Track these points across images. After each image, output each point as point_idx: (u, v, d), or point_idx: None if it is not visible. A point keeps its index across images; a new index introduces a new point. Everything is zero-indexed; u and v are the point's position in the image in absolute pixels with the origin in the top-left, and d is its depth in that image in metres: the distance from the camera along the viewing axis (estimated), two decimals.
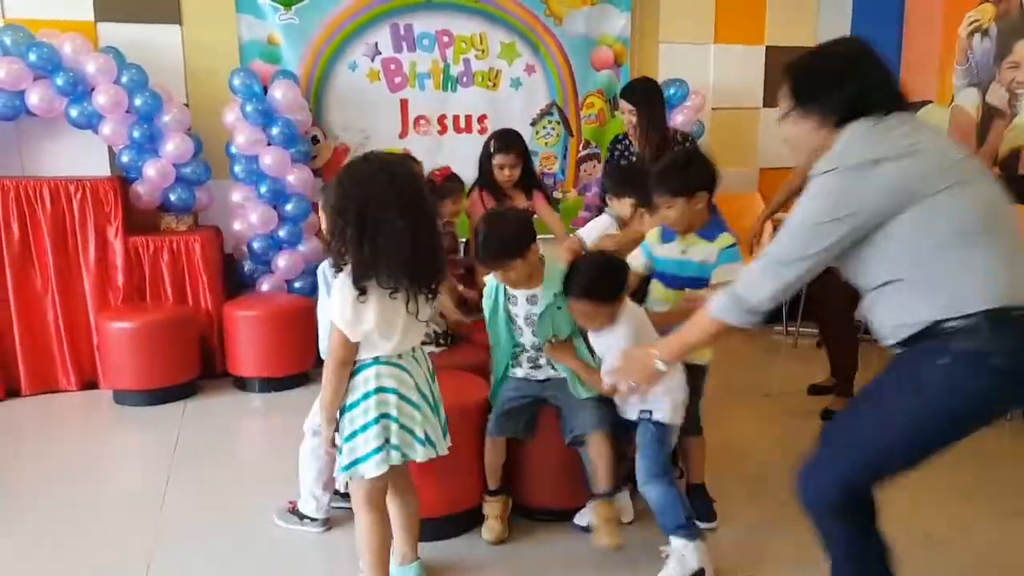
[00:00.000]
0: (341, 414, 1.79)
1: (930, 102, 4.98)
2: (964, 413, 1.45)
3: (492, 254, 2.09)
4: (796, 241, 1.51)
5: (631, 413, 2.17)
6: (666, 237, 2.33)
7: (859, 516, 1.55)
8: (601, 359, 2.19)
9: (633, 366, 1.84)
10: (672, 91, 4.35)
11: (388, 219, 1.66)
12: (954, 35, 4.81)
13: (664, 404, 2.12)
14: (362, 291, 1.68)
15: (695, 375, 2.24)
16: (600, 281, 2.11)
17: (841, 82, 1.54)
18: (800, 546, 1.93)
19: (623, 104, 3.27)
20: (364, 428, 1.76)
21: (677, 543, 2.06)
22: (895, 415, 1.47)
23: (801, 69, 1.61)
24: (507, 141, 3.21)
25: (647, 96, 3.23)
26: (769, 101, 4.97)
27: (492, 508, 2.29)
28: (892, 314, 1.50)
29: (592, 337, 2.19)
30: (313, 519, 2.32)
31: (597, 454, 2.16)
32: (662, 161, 2.45)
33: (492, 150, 3.20)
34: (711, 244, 2.24)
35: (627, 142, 3.35)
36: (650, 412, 2.14)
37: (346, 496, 2.17)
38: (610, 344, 2.13)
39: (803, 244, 1.50)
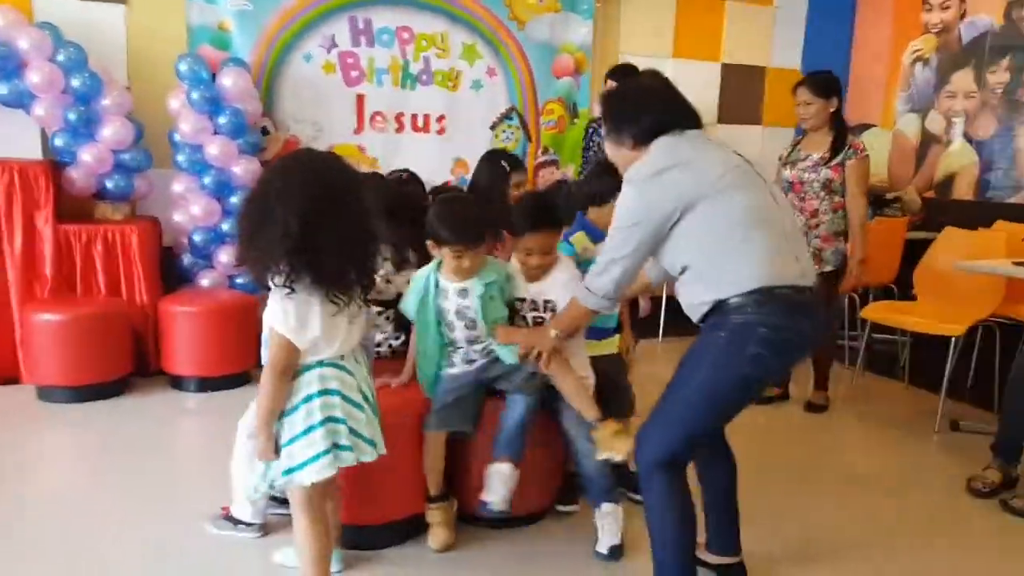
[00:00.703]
0: (279, 419, 1.69)
1: (874, 126, 5.16)
2: (744, 376, 1.71)
3: (471, 233, 2.08)
4: (613, 243, 1.80)
5: None
6: (595, 237, 2.38)
7: (678, 471, 1.80)
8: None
9: (539, 337, 2.09)
10: None
11: (310, 219, 1.56)
12: (899, 63, 4.99)
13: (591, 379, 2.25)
14: (291, 291, 1.60)
15: (611, 362, 2.38)
16: (546, 208, 2.21)
17: (642, 112, 1.83)
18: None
19: (609, 83, 3.50)
20: (306, 432, 1.68)
21: (614, 508, 2.20)
22: (694, 386, 1.74)
23: (612, 103, 1.93)
24: (517, 160, 3.16)
25: (630, 76, 3.36)
26: (724, 117, 5.06)
27: (435, 515, 2.20)
28: (689, 297, 1.79)
29: (532, 289, 2.22)
30: (249, 524, 2.21)
31: (569, 387, 2.14)
32: (595, 165, 2.51)
33: (509, 169, 3.02)
34: None
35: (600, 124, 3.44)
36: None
37: (284, 502, 2.09)
38: (552, 290, 2.19)
39: (617, 246, 1.79)
